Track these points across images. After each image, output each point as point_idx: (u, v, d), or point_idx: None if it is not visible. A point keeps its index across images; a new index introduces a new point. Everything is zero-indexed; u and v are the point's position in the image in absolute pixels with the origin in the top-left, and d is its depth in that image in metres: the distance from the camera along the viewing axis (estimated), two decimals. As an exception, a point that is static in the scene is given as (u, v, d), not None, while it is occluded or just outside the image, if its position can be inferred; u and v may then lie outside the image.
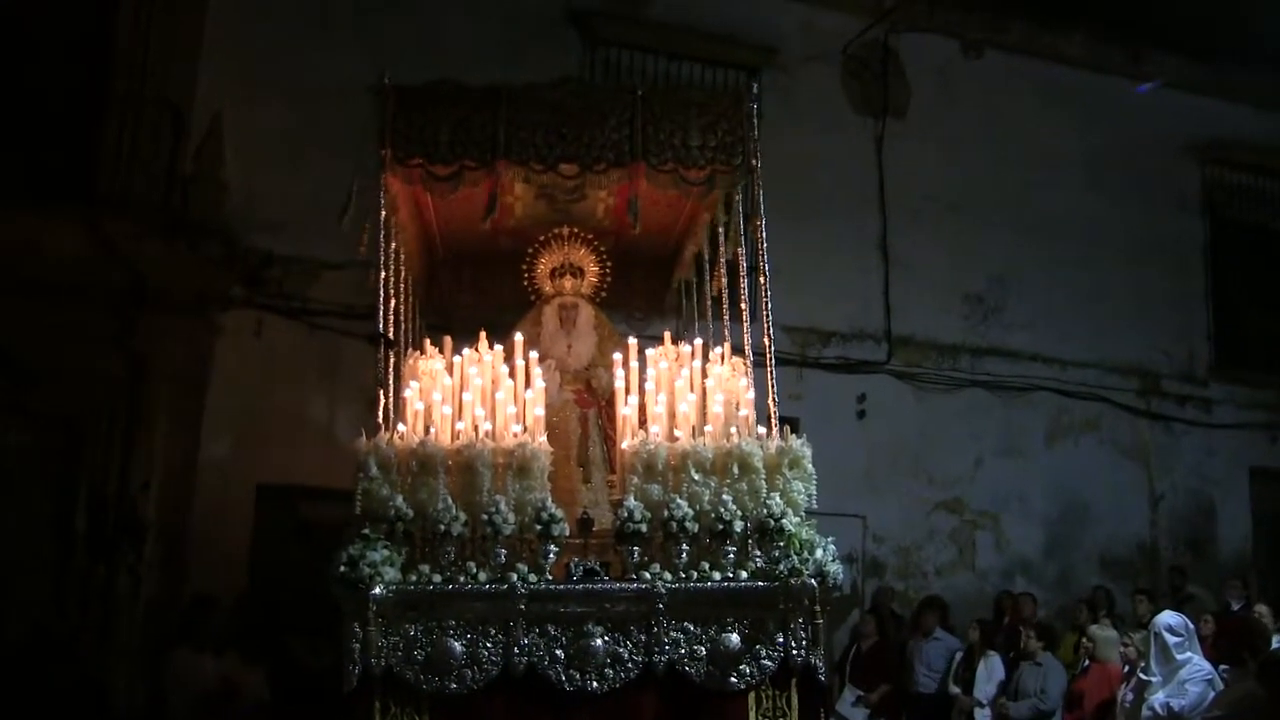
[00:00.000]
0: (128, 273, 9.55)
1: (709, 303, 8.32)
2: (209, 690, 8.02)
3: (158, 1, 10.25)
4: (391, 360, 7.04)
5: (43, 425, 9.43)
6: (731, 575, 6.28)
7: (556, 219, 8.41)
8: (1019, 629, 10.25)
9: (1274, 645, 8.30)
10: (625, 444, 6.65)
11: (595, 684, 6.01)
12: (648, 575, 6.17)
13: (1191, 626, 8.25)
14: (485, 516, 6.07)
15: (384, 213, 6.97)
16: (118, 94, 10.04)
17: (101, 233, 9.42)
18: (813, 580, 6.22)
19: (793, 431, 6.77)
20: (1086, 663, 9.49)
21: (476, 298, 9.11)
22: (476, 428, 6.53)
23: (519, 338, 7.21)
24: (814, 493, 6.62)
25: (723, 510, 6.31)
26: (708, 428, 6.75)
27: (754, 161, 7.16)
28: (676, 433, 6.67)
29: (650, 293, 9.42)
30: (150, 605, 9.24)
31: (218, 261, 9.97)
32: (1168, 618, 8.10)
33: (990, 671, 10.06)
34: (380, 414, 6.60)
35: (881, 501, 12.03)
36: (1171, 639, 7.86)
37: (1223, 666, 8.14)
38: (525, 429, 6.56)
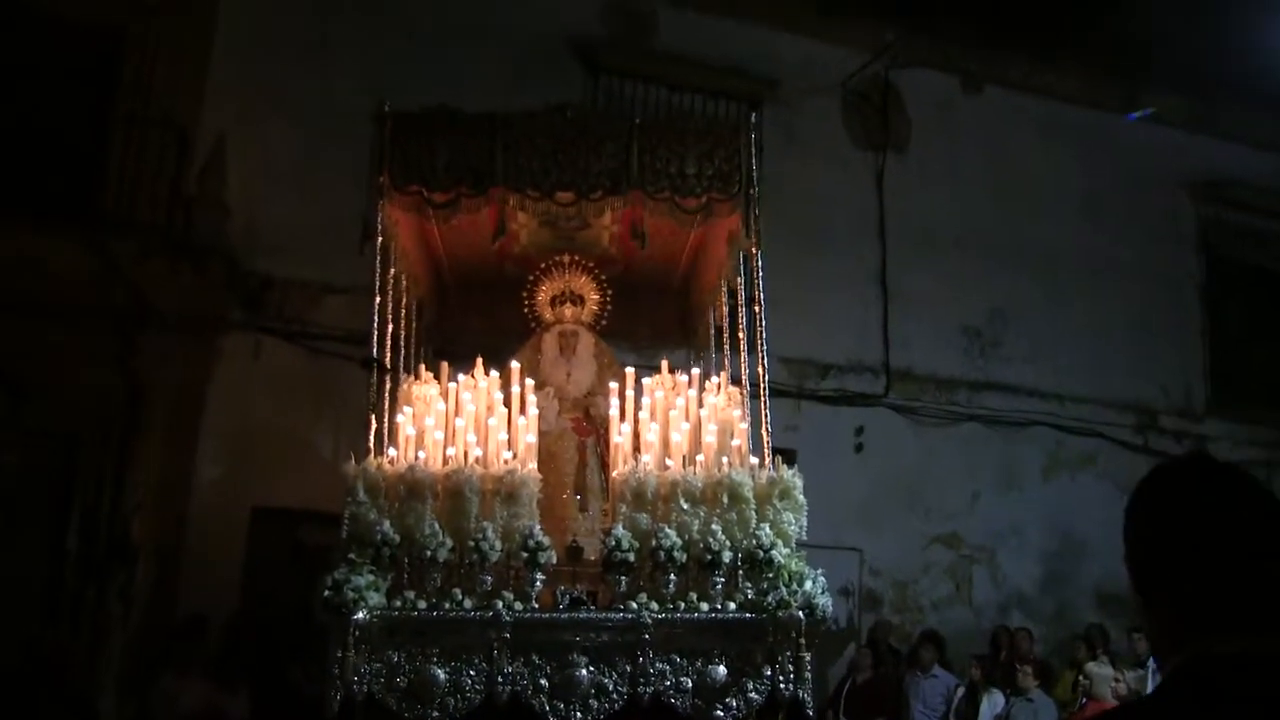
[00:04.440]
0: (129, 293, 9.58)
1: (711, 333, 8.33)
2: (196, 713, 7.99)
3: (165, 25, 10.34)
4: (386, 385, 7.05)
5: (38, 444, 9.44)
6: (719, 606, 6.28)
7: (561, 247, 8.44)
8: (1016, 665, 10.20)
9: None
10: (616, 472, 6.66)
11: (579, 714, 6.01)
12: (634, 605, 6.16)
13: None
14: (472, 543, 6.09)
15: (380, 238, 7.00)
16: (123, 115, 10.11)
17: (104, 252, 9.46)
18: (800, 612, 6.21)
19: (790, 463, 6.77)
20: (1084, 700, 9.43)
21: (483, 324, 9.11)
22: (467, 454, 6.54)
23: (515, 365, 7.24)
24: (804, 524, 6.61)
25: (711, 540, 6.31)
26: (699, 457, 6.75)
27: (752, 191, 7.17)
28: (668, 462, 6.67)
29: (657, 322, 9.43)
30: (141, 627, 9.22)
31: (219, 283, 10.01)
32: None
33: (993, 708, 10.02)
34: (371, 438, 6.61)
35: (878, 535, 11.98)
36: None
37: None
38: (515, 456, 6.56)
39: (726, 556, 6.30)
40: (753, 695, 6.17)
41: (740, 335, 7.40)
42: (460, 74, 10.65)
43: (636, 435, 6.93)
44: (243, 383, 10.04)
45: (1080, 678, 9.70)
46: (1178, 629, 1.73)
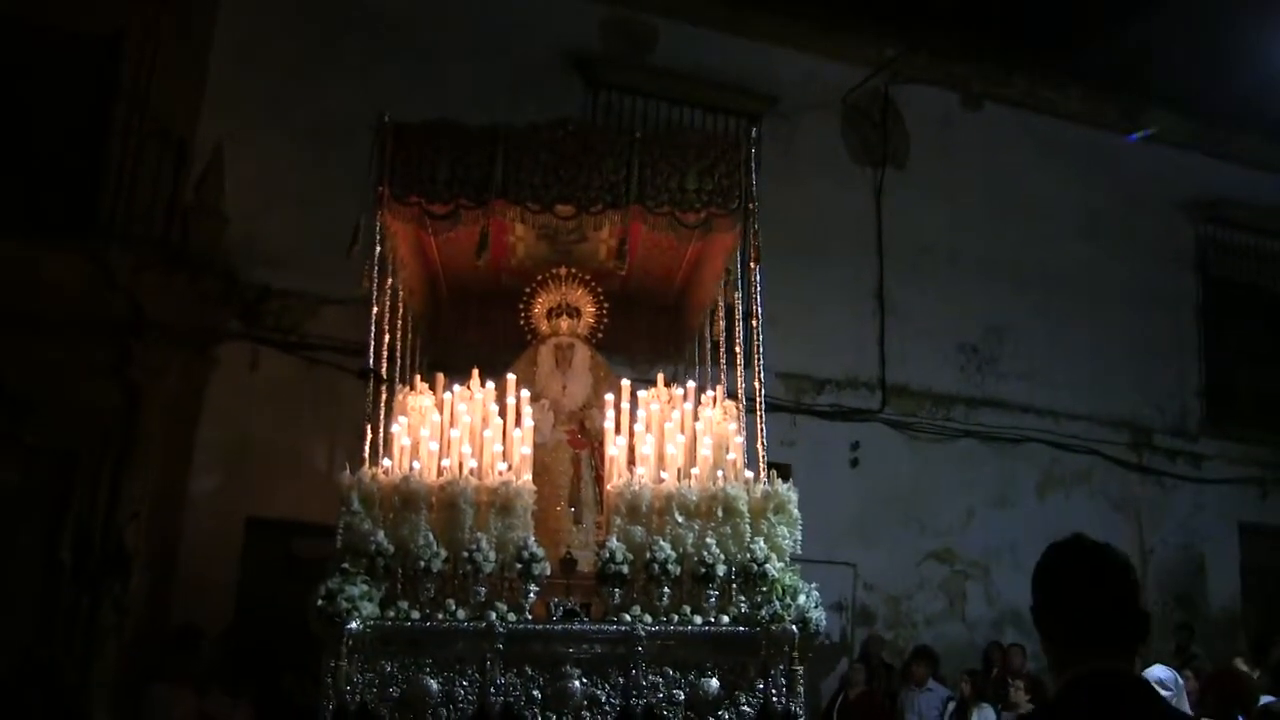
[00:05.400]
0: (125, 304, 9.57)
1: (708, 347, 8.35)
2: (189, 722, 7.98)
3: (163, 36, 10.33)
4: (382, 395, 7.06)
5: (34, 455, 9.40)
6: (713, 619, 6.29)
7: (558, 260, 8.47)
8: (1008, 680, 10.20)
9: (1261, 701, 8.25)
10: (610, 485, 6.67)
11: (571, 726, 6.00)
12: (628, 617, 6.17)
13: (1181, 681, 8.20)
14: (466, 554, 6.09)
15: (378, 249, 7.01)
16: (120, 127, 10.10)
17: (100, 263, 9.46)
18: (794, 626, 6.22)
19: (785, 478, 6.79)
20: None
21: (480, 336, 9.13)
22: (462, 465, 6.55)
23: (511, 377, 7.25)
24: (799, 538, 6.62)
25: (706, 554, 6.32)
26: (695, 470, 6.76)
27: (751, 205, 7.19)
28: (663, 475, 6.68)
29: (654, 336, 9.45)
30: (135, 637, 9.20)
31: (216, 294, 10.01)
32: (1158, 672, 8.05)
33: (982, 722, 10.01)
34: (367, 449, 6.62)
35: (873, 550, 11.98)
36: (1162, 693, 7.80)
37: (1210, 722, 8.09)
38: (510, 467, 6.57)
39: (721, 570, 6.32)
40: (745, 709, 6.19)
41: (737, 349, 7.41)
42: (459, 88, 10.69)
43: (631, 448, 6.93)
44: (239, 393, 10.03)
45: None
46: (1061, 657, 2.59)
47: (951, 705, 10.42)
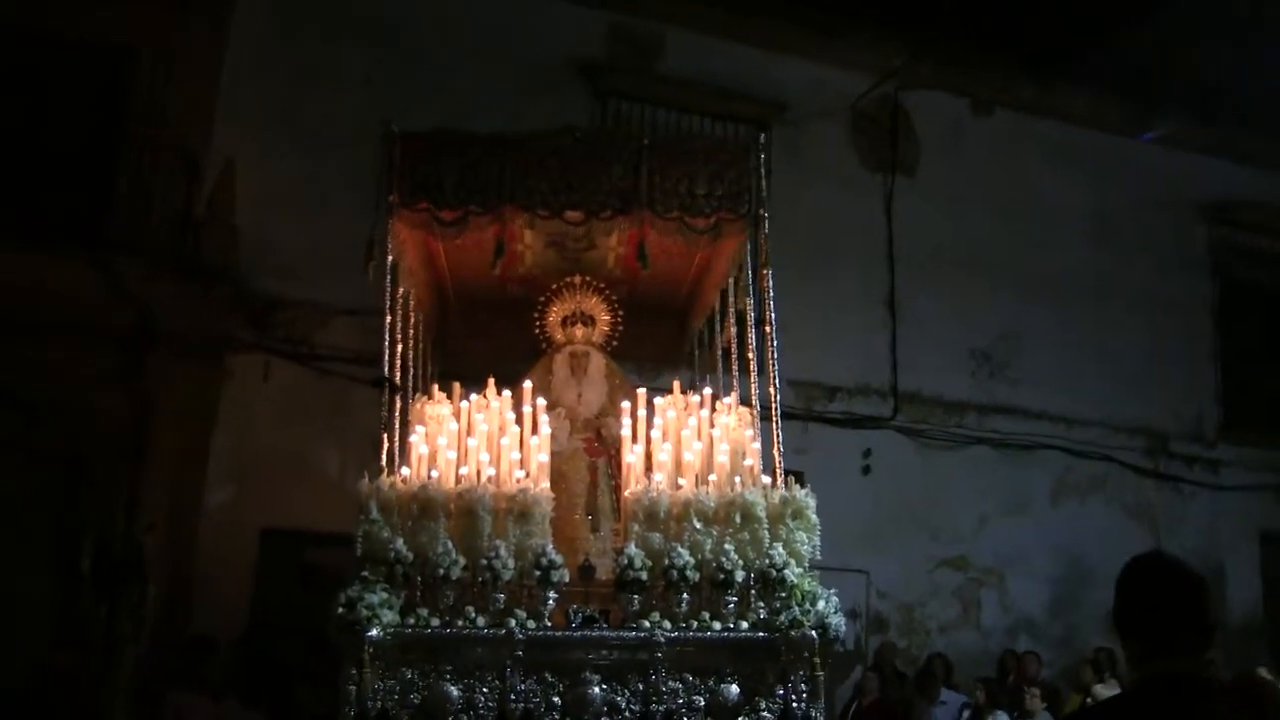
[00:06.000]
0: (137, 314, 9.58)
1: (719, 354, 8.33)
2: (204, 731, 7.97)
3: (174, 49, 10.37)
4: (398, 405, 7.05)
5: (49, 465, 9.42)
6: (732, 625, 6.27)
7: (567, 268, 8.46)
8: (1023, 688, 10.16)
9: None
10: (628, 491, 6.65)
11: (591, 732, 5.98)
12: (647, 624, 6.16)
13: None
14: (485, 561, 6.09)
15: (390, 258, 7.01)
16: (132, 138, 10.12)
17: (112, 275, 9.46)
18: (813, 632, 6.19)
19: (799, 485, 6.76)
20: (1091, 723, 9.36)
21: (488, 345, 9.10)
22: (480, 473, 6.54)
23: (528, 385, 7.24)
24: (817, 543, 6.60)
25: (724, 560, 6.30)
26: (712, 477, 6.75)
27: (761, 211, 7.18)
28: (680, 481, 6.66)
29: (663, 343, 9.44)
30: (151, 647, 9.20)
31: (226, 305, 10.02)
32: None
33: (997, 729, 9.97)
34: (384, 457, 6.61)
35: (885, 557, 11.93)
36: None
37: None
38: (528, 475, 6.56)
39: (739, 576, 6.31)
40: (765, 714, 6.17)
41: (750, 356, 7.39)
42: (466, 97, 10.69)
43: (649, 455, 6.91)
44: (251, 404, 10.03)
45: (1088, 700, 9.63)
46: (1138, 658, 2.92)
47: (967, 713, 10.38)
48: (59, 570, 9.26)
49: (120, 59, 10.38)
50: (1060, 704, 10.34)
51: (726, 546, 6.36)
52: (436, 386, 7.90)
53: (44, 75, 10.17)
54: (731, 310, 7.83)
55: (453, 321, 9.26)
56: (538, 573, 6.14)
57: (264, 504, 9.83)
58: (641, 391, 7.39)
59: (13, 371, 9.11)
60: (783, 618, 6.26)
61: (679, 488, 6.61)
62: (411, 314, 7.67)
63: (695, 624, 6.23)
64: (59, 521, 9.35)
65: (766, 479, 6.84)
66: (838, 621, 6.35)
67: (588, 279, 8.43)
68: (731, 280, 7.74)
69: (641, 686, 6.09)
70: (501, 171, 7.07)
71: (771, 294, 7.23)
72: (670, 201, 7.16)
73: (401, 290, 7.28)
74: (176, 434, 9.74)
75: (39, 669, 8.51)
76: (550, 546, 6.27)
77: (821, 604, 6.33)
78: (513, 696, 5.95)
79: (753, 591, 6.36)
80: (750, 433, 7.21)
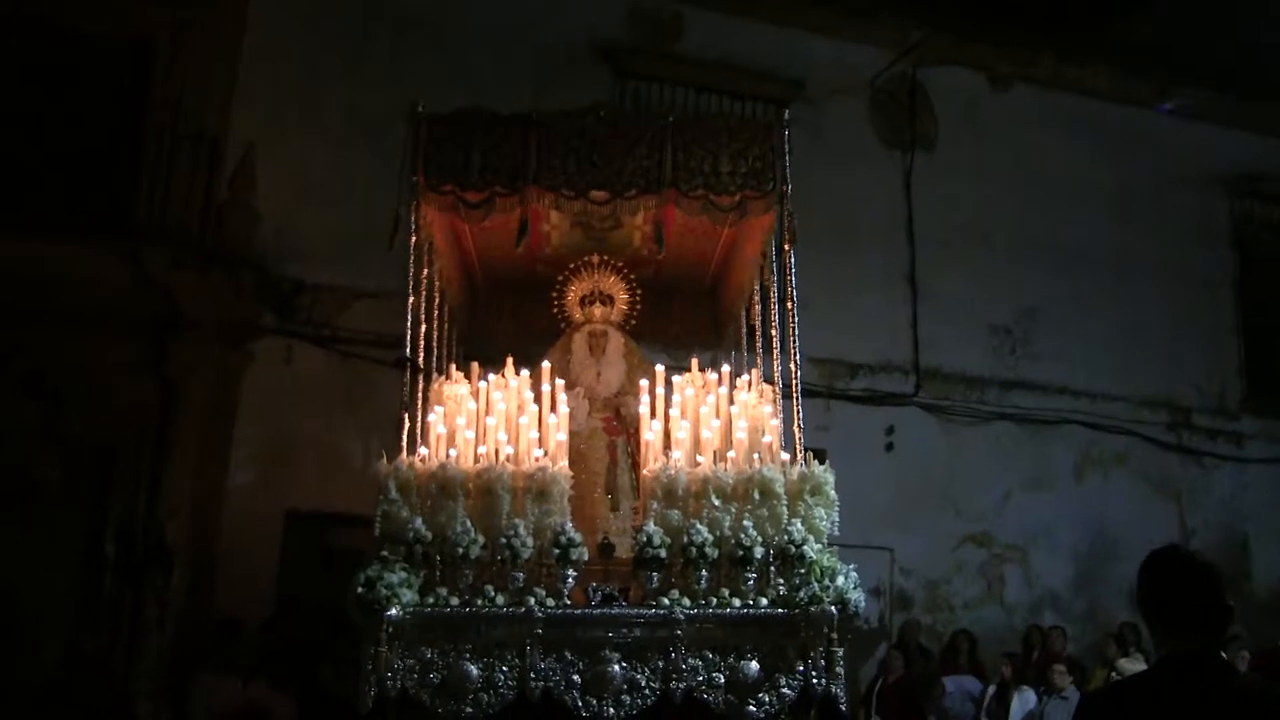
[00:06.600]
0: (161, 301, 9.68)
1: (744, 331, 8.33)
2: (234, 713, 8.04)
3: (194, 36, 10.43)
4: (420, 385, 7.08)
5: (74, 451, 9.51)
6: (751, 602, 6.26)
7: (593, 247, 8.45)
8: (1049, 664, 10.15)
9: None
10: (647, 469, 6.66)
11: (611, 710, 6.00)
12: (666, 601, 6.16)
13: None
14: (504, 540, 6.10)
15: (414, 239, 7.03)
16: (154, 128, 10.20)
17: (136, 262, 9.55)
18: (833, 608, 6.18)
19: (821, 462, 6.75)
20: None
21: (515, 326, 9.12)
22: (498, 452, 6.56)
23: (546, 364, 7.26)
24: (836, 519, 6.59)
25: (743, 536, 6.29)
26: (730, 454, 6.75)
27: (785, 188, 7.17)
28: (699, 458, 6.67)
29: (689, 322, 9.41)
30: (177, 629, 9.30)
31: (250, 290, 10.09)
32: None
33: (1024, 705, 9.96)
34: (404, 438, 6.65)
35: (909, 534, 11.93)
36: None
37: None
38: (547, 453, 6.58)
39: (758, 552, 6.28)
40: (785, 691, 6.15)
41: (773, 333, 7.38)
42: (487, 79, 10.71)
43: (667, 433, 6.92)
44: (275, 388, 10.11)
45: (1113, 675, 9.62)
46: (1160, 638, 3.27)
47: (991, 690, 10.37)
48: (85, 556, 9.36)
49: (140, 49, 10.45)
50: (1085, 678, 10.33)
51: (745, 523, 6.34)
52: (454, 366, 7.92)
53: (66, 68, 10.24)
54: (756, 288, 7.82)
55: (480, 303, 9.27)
56: (556, 551, 6.15)
57: (288, 487, 9.91)
58: (660, 369, 7.40)
59: (39, 360, 9.22)
60: (802, 594, 6.23)
61: (697, 465, 6.61)
62: (437, 295, 7.68)
63: (714, 601, 6.21)
64: (85, 508, 9.45)
65: (785, 455, 6.84)
66: (857, 597, 6.32)
67: (606, 258, 8.43)
68: (760, 257, 7.74)
69: (661, 664, 6.07)
70: (525, 152, 7.04)
71: (794, 271, 7.22)
72: (695, 180, 7.12)
73: (425, 272, 7.29)
74: (201, 419, 9.84)
75: (66, 655, 8.63)
76: (569, 525, 6.28)
77: (841, 579, 6.29)
78: (532, 675, 5.96)
79: (772, 568, 6.33)
80: (770, 410, 7.19)
